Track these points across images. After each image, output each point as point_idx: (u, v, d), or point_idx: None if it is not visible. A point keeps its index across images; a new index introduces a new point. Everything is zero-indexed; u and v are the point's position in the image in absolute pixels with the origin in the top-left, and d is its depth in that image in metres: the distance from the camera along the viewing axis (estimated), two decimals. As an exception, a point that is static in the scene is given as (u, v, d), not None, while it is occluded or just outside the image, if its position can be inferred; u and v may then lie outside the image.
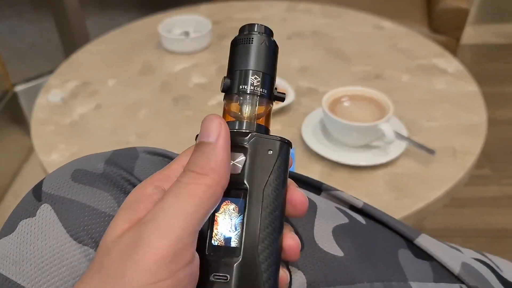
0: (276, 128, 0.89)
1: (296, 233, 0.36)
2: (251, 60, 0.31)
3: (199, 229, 0.26)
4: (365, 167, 0.80)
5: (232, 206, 0.29)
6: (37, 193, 0.34)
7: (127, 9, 1.93)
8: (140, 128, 0.92)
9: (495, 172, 1.60)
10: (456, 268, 0.39)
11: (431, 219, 1.40)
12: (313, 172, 0.79)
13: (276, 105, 0.91)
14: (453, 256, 0.41)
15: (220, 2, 1.43)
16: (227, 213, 0.29)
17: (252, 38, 0.31)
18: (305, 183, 0.44)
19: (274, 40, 0.32)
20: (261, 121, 0.31)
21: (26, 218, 0.33)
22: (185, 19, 1.24)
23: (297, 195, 0.29)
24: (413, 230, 0.42)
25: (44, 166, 0.84)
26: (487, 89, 1.12)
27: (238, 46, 0.31)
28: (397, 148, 0.80)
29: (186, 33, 1.21)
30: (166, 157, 0.39)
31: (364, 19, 1.31)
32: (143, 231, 0.24)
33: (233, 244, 0.28)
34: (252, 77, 0.30)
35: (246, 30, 0.32)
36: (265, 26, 0.32)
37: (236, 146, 0.29)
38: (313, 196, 0.41)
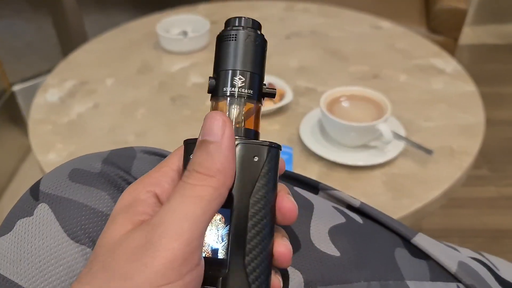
0: (274, 128, 0.89)
1: (292, 233, 0.36)
2: (236, 59, 0.29)
3: (206, 231, 0.26)
4: (363, 167, 0.80)
5: (218, 217, 0.28)
6: (35, 193, 0.34)
7: (125, 9, 1.93)
8: (138, 127, 0.92)
9: (493, 172, 1.61)
10: (453, 267, 0.40)
11: (428, 219, 1.41)
12: (311, 172, 0.79)
13: (275, 105, 0.91)
14: (450, 255, 0.41)
15: (218, 2, 1.43)
16: (213, 224, 0.28)
17: (236, 35, 0.29)
18: (302, 182, 0.44)
19: (261, 35, 0.30)
20: (250, 123, 0.29)
21: (24, 218, 0.33)
22: (183, 18, 1.24)
23: (286, 203, 0.28)
24: (410, 229, 0.42)
25: (42, 165, 0.84)
26: (485, 89, 1.12)
27: (222, 43, 0.29)
28: (395, 148, 0.81)
29: (184, 33, 1.21)
30: (163, 157, 0.39)
31: (362, 19, 1.31)
32: (152, 234, 0.24)
33: (220, 255, 0.27)
34: (237, 78, 0.29)
35: (230, 25, 0.30)
36: (252, 20, 0.30)
37: None
38: (310, 195, 0.41)
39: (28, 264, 0.31)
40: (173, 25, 1.22)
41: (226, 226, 0.27)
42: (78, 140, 0.89)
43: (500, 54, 2.28)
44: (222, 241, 0.27)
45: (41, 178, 0.36)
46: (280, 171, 0.29)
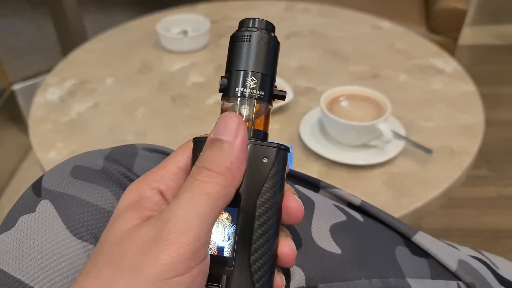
0: (275, 127, 0.89)
1: (294, 231, 0.37)
2: (249, 60, 0.29)
3: (213, 227, 0.26)
4: (363, 166, 0.80)
5: (225, 215, 0.28)
6: (37, 189, 0.34)
7: (125, 8, 1.93)
8: (138, 126, 0.92)
9: (492, 172, 1.61)
10: (453, 265, 0.40)
11: (428, 219, 1.41)
12: (311, 171, 0.79)
13: (275, 104, 0.91)
14: (450, 254, 0.41)
15: (218, 1, 1.43)
16: (220, 222, 0.28)
17: (250, 36, 0.29)
18: (303, 180, 0.44)
19: (275, 36, 0.30)
20: (259, 123, 0.30)
21: (26, 214, 0.33)
22: (184, 18, 1.24)
23: (292, 203, 0.29)
24: (410, 227, 0.42)
25: (42, 164, 0.84)
26: (484, 90, 1.12)
27: (236, 43, 0.30)
28: (395, 147, 0.81)
29: (185, 32, 1.21)
30: (165, 154, 0.39)
31: (362, 19, 1.31)
32: (161, 229, 0.24)
33: (226, 254, 0.28)
34: (249, 79, 0.29)
35: (244, 26, 0.30)
36: (266, 21, 0.30)
37: None
38: (311, 193, 0.41)
39: (30, 260, 0.31)
40: (173, 24, 1.23)
41: (232, 225, 0.28)
42: (78, 139, 0.89)
43: (499, 55, 2.29)
44: (229, 240, 0.28)
45: (43, 175, 0.36)
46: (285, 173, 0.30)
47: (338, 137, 0.82)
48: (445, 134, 0.87)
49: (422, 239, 0.41)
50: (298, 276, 0.35)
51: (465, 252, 0.44)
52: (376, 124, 0.77)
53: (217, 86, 0.30)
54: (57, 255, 0.31)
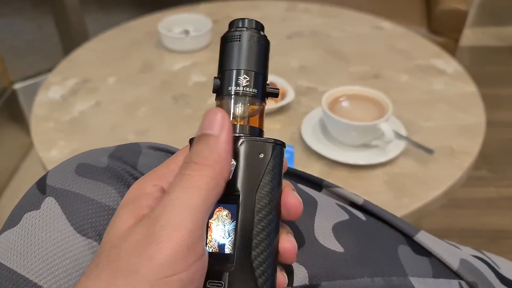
0: (276, 127, 0.90)
1: (297, 229, 0.37)
2: (240, 59, 0.30)
3: (207, 221, 0.26)
4: (364, 166, 0.80)
5: (225, 212, 0.28)
6: (42, 186, 0.35)
7: (126, 8, 1.93)
8: (139, 126, 0.92)
9: (493, 173, 1.61)
10: (454, 264, 0.40)
11: (429, 219, 1.41)
12: (313, 171, 0.79)
13: (276, 104, 0.92)
14: (451, 253, 0.41)
15: (219, 1, 1.43)
16: (220, 219, 0.28)
17: (240, 35, 0.30)
18: (306, 180, 0.44)
19: (264, 35, 0.31)
20: (254, 121, 0.30)
21: (31, 211, 0.33)
22: (185, 17, 1.24)
23: (291, 199, 0.29)
24: (412, 227, 0.42)
25: (44, 162, 0.84)
26: (485, 91, 1.12)
27: (227, 44, 0.30)
28: (396, 147, 0.81)
29: (186, 32, 1.22)
30: (169, 153, 0.40)
31: (363, 19, 1.32)
32: (154, 226, 0.24)
33: (227, 250, 0.28)
34: (242, 77, 0.29)
35: (234, 26, 0.31)
36: (255, 21, 0.31)
37: None
38: (314, 193, 0.42)
39: (35, 257, 0.31)
40: (175, 24, 1.23)
41: (232, 221, 0.28)
42: (80, 138, 0.90)
43: (500, 56, 2.29)
44: (229, 236, 0.28)
45: (47, 172, 0.36)
46: (283, 169, 0.30)
47: (339, 137, 0.83)
48: (446, 134, 0.87)
49: (424, 238, 0.41)
50: (301, 274, 0.35)
51: (467, 252, 0.44)
52: (378, 124, 0.77)
53: None
54: (62, 251, 0.31)
